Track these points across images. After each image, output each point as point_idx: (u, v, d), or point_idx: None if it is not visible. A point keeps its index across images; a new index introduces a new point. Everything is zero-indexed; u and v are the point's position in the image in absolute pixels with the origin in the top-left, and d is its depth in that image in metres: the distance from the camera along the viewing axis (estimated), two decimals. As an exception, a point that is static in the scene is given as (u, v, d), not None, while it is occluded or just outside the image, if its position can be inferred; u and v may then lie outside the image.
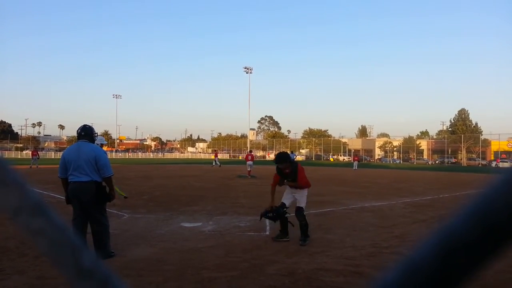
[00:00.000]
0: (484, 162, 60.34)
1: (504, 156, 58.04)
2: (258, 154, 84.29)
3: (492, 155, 63.48)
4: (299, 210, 6.21)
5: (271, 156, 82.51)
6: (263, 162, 53.89)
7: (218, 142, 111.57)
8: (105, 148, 8.20)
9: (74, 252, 0.33)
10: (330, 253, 5.56)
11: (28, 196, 0.32)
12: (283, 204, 6.29)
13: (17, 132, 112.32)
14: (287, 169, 6.25)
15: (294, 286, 4.20)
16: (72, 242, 0.33)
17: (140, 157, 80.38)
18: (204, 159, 70.88)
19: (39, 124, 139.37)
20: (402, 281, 0.32)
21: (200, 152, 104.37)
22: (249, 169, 23.17)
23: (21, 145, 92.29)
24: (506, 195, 0.29)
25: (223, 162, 47.33)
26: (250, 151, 26.39)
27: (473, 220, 0.30)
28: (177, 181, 18.36)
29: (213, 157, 36.88)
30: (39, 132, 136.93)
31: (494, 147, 65.33)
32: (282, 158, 6.31)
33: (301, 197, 6.27)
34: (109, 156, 5.94)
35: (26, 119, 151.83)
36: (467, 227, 0.30)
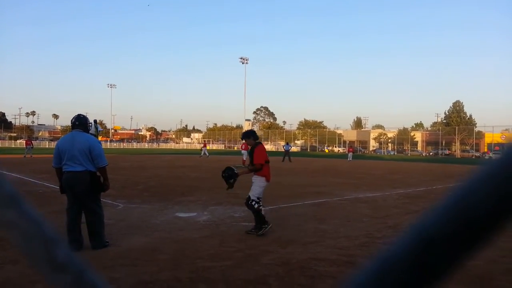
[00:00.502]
0: (477, 154, 60.82)
1: (497, 148, 58.47)
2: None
3: (486, 147, 63.96)
4: (246, 200, 6.16)
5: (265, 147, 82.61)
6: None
7: (214, 133, 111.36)
8: (100, 138, 8.16)
9: (48, 245, 0.32)
10: (324, 243, 5.60)
11: (1, 188, 0.31)
12: (249, 196, 6.19)
13: (10, 121, 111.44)
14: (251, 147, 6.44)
15: (287, 276, 4.24)
16: (46, 235, 0.32)
17: (135, 147, 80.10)
18: (200, 149, 70.70)
19: (33, 113, 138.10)
20: (377, 276, 0.31)
21: (195, 143, 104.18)
22: (244, 158, 23.34)
23: (15, 135, 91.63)
24: (486, 187, 0.28)
25: (218, 152, 47.18)
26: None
27: (452, 213, 0.29)
28: (172, 172, 18.35)
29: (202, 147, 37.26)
30: (33, 122, 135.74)
31: (488, 139, 65.82)
32: (247, 134, 6.59)
33: (254, 185, 6.16)
34: (103, 146, 5.91)
35: (20, 108, 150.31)
36: (444, 221, 0.29)
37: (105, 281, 0.34)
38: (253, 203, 6.06)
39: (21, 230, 0.32)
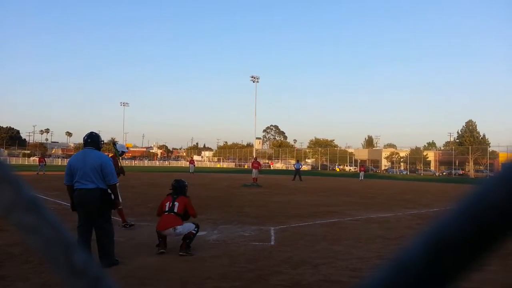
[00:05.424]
0: (491, 174, 59.63)
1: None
2: (263, 163, 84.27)
3: (500, 167, 62.87)
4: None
5: (275, 165, 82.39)
6: (268, 171, 53.76)
7: (224, 151, 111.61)
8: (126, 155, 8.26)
9: (67, 250, 0.32)
10: (335, 265, 5.49)
11: (22, 193, 0.32)
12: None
13: (25, 139, 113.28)
14: None
15: (299, 298, 4.14)
16: (65, 240, 0.33)
17: (146, 165, 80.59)
18: (210, 168, 70.93)
19: (47, 131, 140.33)
20: (390, 280, 0.32)
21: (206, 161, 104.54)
22: (253, 176, 23.30)
23: (28, 152, 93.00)
24: (497, 193, 0.29)
25: (230, 171, 47.15)
26: (255, 159, 27.43)
27: (463, 218, 0.30)
28: (182, 190, 18.32)
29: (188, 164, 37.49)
30: (46, 139, 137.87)
31: (502, 159, 64.79)
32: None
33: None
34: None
35: (34, 126, 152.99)
36: (457, 225, 0.30)
37: None
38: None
39: (41, 234, 0.32)
